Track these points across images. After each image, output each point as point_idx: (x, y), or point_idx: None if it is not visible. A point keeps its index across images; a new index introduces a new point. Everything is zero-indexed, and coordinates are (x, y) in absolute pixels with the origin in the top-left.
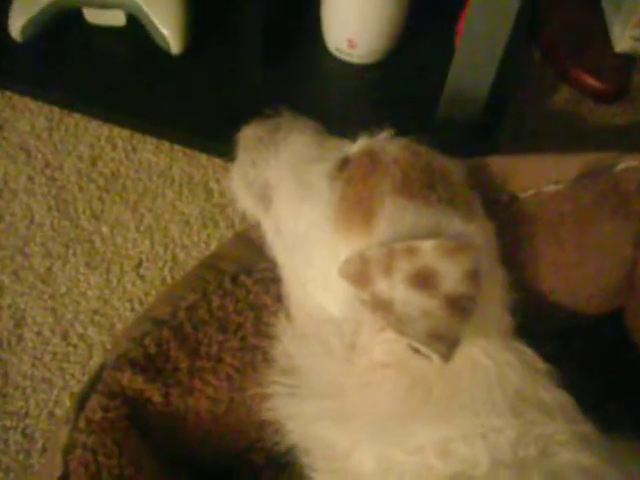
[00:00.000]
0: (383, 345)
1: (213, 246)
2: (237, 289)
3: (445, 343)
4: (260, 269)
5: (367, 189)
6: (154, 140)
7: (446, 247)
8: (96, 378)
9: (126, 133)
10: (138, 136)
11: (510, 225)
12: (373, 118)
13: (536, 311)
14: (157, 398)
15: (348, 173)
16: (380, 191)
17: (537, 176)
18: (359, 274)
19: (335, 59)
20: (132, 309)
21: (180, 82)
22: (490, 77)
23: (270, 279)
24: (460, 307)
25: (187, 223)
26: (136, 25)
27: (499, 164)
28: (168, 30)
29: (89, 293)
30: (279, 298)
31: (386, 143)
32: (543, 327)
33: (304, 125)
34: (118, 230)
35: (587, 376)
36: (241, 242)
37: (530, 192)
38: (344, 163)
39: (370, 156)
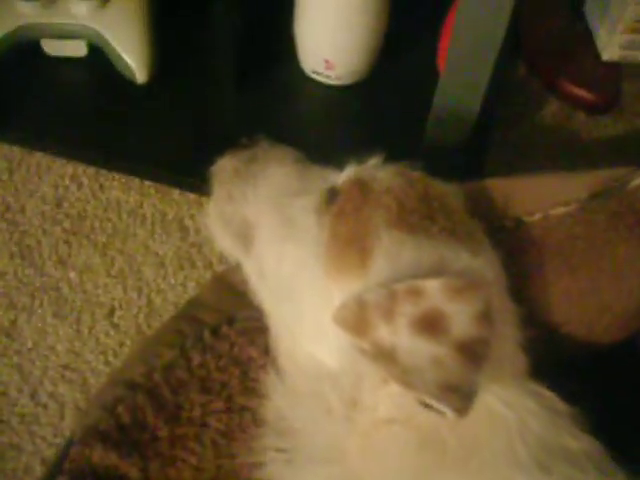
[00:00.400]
0: (387, 399)
1: (191, 289)
2: (219, 342)
3: (459, 395)
4: (243, 318)
5: (359, 223)
6: (122, 177)
7: (453, 286)
8: (62, 456)
9: (92, 171)
10: (105, 173)
11: (517, 253)
12: (356, 143)
13: (547, 345)
14: (134, 474)
15: (337, 206)
16: (374, 225)
17: (543, 198)
18: (357, 320)
19: (312, 81)
20: (106, 362)
21: (148, 113)
22: (479, 96)
23: (255, 329)
24: (473, 353)
25: (162, 264)
26: (98, 55)
27: (500, 187)
28: (132, 59)
29: (58, 346)
30: (267, 350)
31: (376, 170)
32: (554, 361)
33: (283, 154)
34: (87, 276)
35: (608, 408)
36: (221, 287)
37: (537, 216)
38: (331, 195)
39: (360, 186)
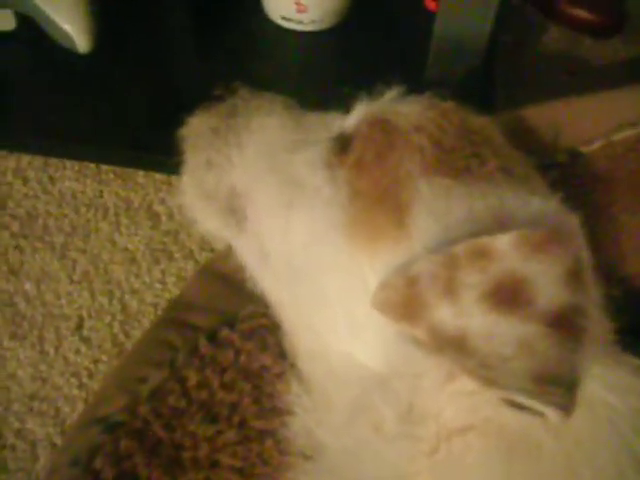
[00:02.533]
0: (456, 402)
1: (172, 285)
2: (220, 351)
3: (561, 387)
4: (246, 315)
5: (387, 173)
6: (74, 164)
7: (531, 240)
8: None
9: (38, 161)
10: (54, 162)
11: (577, 194)
12: (342, 95)
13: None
14: None
15: (353, 155)
16: (407, 173)
17: (602, 121)
18: (406, 302)
19: (282, 29)
20: (80, 385)
21: (95, 87)
22: (490, 17)
23: (264, 328)
24: (570, 326)
25: (133, 261)
26: (30, 27)
27: (541, 115)
28: (71, 25)
29: (20, 373)
30: (282, 354)
31: (398, 105)
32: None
33: (269, 102)
34: (46, 284)
35: None
36: (211, 279)
37: (597, 144)
38: (343, 143)
39: (381, 126)
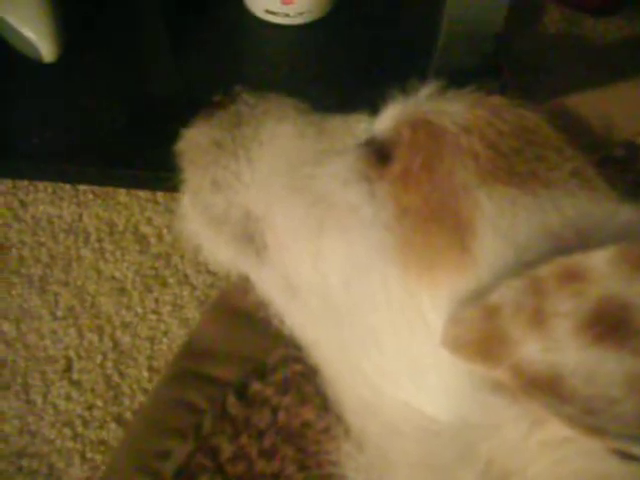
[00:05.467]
0: (546, 453)
1: (167, 315)
2: (254, 411)
3: None
4: (278, 362)
5: (439, 185)
6: (47, 185)
7: (635, 256)
8: None
9: (7, 184)
10: (24, 185)
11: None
12: (338, 93)
13: None
14: None
15: (396, 165)
16: (462, 183)
17: None
18: (483, 338)
19: (267, 24)
20: (74, 436)
21: (64, 99)
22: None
23: (302, 374)
24: None
25: (122, 291)
26: None
27: (588, 104)
28: (34, 32)
29: (6, 428)
30: (324, 405)
31: (439, 103)
32: None
33: (279, 106)
34: (27, 324)
35: None
36: (228, 318)
37: None
38: (379, 150)
39: (425, 128)
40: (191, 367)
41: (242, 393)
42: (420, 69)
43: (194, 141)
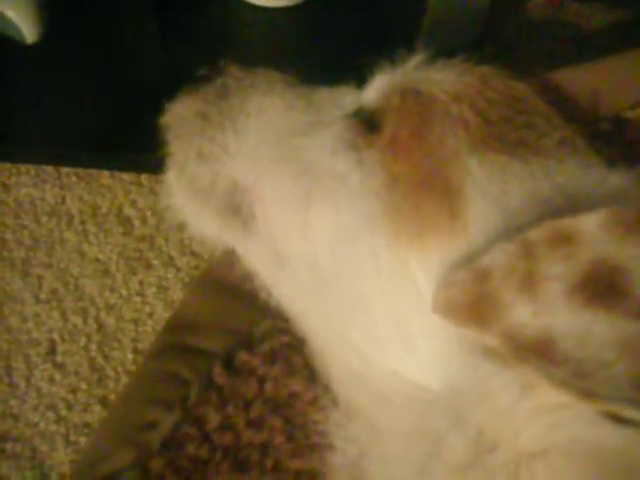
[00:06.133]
0: (537, 419)
1: (152, 296)
2: (240, 381)
3: None
4: (265, 333)
5: (429, 152)
6: (30, 168)
7: (627, 219)
8: None
9: None
10: (7, 167)
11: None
12: (325, 73)
13: None
14: None
15: (385, 134)
16: (452, 150)
17: None
18: (474, 301)
19: (252, 7)
20: (58, 419)
21: (47, 81)
22: None
23: (287, 346)
24: None
25: (106, 273)
26: None
27: (575, 79)
28: (16, 12)
29: None
30: (312, 376)
31: (428, 72)
32: None
33: (266, 79)
34: (9, 307)
35: None
36: (214, 292)
37: None
38: (369, 120)
39: (414, 97)
40: (176, 340)
41: (229, 363)
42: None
43: (179, 114)
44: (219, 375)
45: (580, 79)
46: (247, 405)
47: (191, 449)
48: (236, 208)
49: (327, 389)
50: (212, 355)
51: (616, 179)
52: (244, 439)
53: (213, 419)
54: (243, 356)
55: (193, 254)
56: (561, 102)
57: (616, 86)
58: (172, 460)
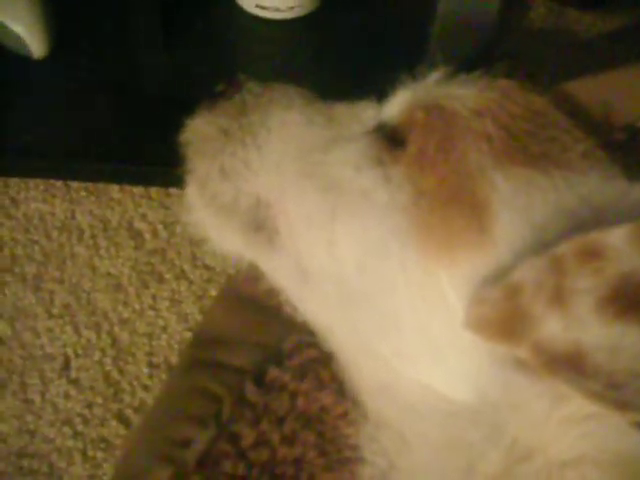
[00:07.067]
0: (568, 430)
1: (166, 310)
2: (272, 397)
3: None
4: (293, 348)
5: (454, 167)
6: (39, 183)
7: None
8: None
9: None
10: (15, 182)
11: None
12: (337, 88)
13: None
14: None
15: (410, 149)
16: (477, 165)
17: None
18: (505, 317)
19: (258, 20)
20: (75, 434)
21: (54, 94)
22: None
23: (317, 360)
24: None
25: (118, 287)
26: None
27: (587, 89)
28: (24, 28)
29: (5, 428)
30: (341, 390)
31: (449, 88)
32: None
33: (285, 94)
34: (22, 322)
35: None
36: (239, 306)
37: None
38: (391, 135)
39: (438, 112)
40: (204, 355)
41: (259, 379)
42: (416, 58)
43: (199, 130)
44: (251, 392)
45: (591, 90)
46: (280, 421)
47: (228, 466)
48: (259, 224)
49: (356, 403)
50: (241, 370)
51: (639, 191)
52: (279, 455)
53: (249, 436)
54: (274, 372)
55: (205, 267)
56: (576, 114)
57: (628, 96)
58: (210, 477)
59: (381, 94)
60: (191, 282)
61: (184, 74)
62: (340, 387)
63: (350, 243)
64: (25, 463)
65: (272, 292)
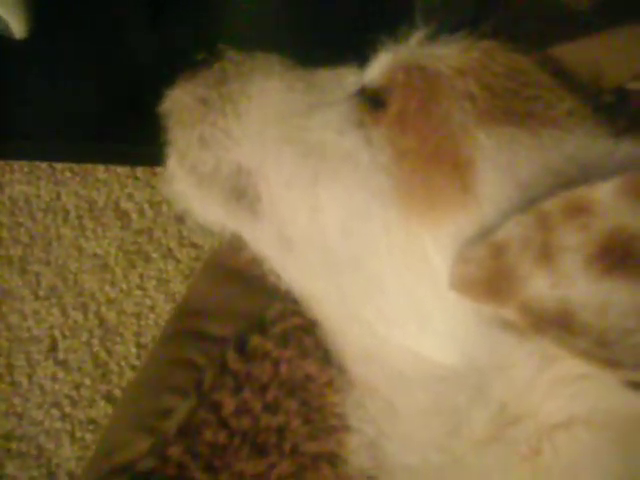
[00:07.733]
0: (558, 391)
1: (153, 289)
2: (255, 365)
3: None
4: (276, 316)
5: (436, 127)
6: (24, 165)
7: (639, 187)
8: None
9: None
10: None
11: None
12: (321, 52)
13: None
14: None
15: (391, 110)
16: (460, 124)
17: None
18: (491, 276)
19: None
20: (62, 416)
21: (38, 75)
22: None
23: (299, 328)
24: None
25: (105, 267)
26: None
27: (577, 53)
28: (4, 8)
29: None
30: (326, 357)
31: (431, 49)
32: None
33: (265, 63)
34: (8, 305)
35: None
36: (222, 277)
37: None
38: (372, 97)
39: (419, 72)
40: (186, 326)
41: (242, 348)
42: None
43: (179, 100)
44: (233, 360)
45: (580, 53)
46: (263, 389)
47: (209, 435)
48: (241, 192)
49: (342, 370)
50: (224, 340)
51: (626, 148)
52: (261, 423)
53: (229, 404)
54: (256, 340)
55: (192, 245)
56: (563, 75)
57: (617, 58)
58: (190, 446)
59: (364, 60)
60: (178, 261)
61: (170, 50)
62: (325, 355)
63: (333, 207)
64: (13, 446)
65: (255, 262)
